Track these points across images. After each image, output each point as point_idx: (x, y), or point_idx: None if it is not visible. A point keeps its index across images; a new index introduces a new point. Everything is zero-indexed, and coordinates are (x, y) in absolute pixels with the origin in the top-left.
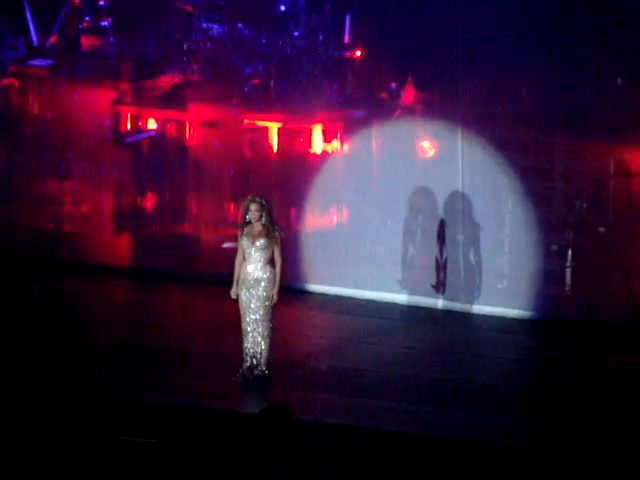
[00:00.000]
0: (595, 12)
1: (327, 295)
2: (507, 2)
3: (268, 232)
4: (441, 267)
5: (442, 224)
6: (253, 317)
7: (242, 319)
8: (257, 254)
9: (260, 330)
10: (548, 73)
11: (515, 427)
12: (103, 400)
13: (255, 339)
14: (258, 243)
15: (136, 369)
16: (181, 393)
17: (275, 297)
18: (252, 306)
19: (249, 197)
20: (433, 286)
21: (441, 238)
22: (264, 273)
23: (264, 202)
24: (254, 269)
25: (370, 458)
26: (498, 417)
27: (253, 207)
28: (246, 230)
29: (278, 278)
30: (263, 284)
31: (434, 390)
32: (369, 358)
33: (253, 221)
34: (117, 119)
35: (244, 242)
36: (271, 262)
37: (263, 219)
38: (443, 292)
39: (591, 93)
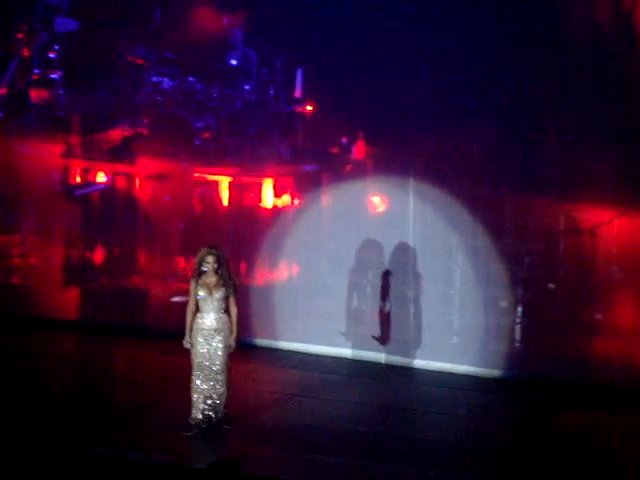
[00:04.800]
0: (546, 70)
1: (275, 350)
2: (457, 60)
3: (225, 282)
4: (385, 321)
5: (388, 278)
6: (214, 367)
7: (195, 367)
8: (215, 304)
9: (219, 378)
10: (498, 130)
11: None
12: (51, 455)
13: (215, 387)
14: (217, 295)
15: (84, 423)
16: (130, 448)
17: (233, 345)
18: (212, 356)
19: (205, 248)
20: (376, 338)
21: (386, 292)
22: (223, 323)
23: (220, 253)
24: (212, 320)
25: None
26: (444, 473)
27: (210, 259)
28: (201, 281)
29: (235, 326)
30: (222, 334)
31: (381, 446)
32: (317, 413)
33: (209, 272)
34: (66, 172)
35: (201, 293)
36: (226, 311)
37: (219, 270)
38: (387, 344)
39: (541, 150)
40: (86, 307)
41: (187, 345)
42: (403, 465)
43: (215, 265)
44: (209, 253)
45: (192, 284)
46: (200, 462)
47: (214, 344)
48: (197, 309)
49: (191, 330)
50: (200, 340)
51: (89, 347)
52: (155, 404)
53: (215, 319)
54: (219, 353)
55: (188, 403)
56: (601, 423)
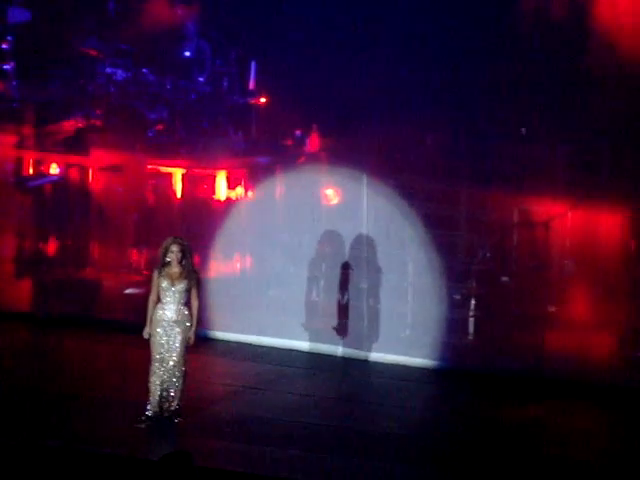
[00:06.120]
0: (499, 63)
1: (229, 342)
2: (411, 53)
3: (188, 274)
4: (343, 312)
5: (345, 270)
6: (172, 359)
7: (154, 358)
8: (177, 296)
9: (176, 370)
10: (452, 122)
11: (415, 477)
12: (5, 446)
13: (171, 380)
14: (179, 286)
15: (37, 415)
16: (83, 439)
17: (192, 338)
18: (171, 347)
19: (170, 238)
20: (335, 328)
21: (344, 284)
22: (183, 316)
23: (185, 243)
24: (172, 311)
25: None
26: (401, 466)
27: (175, 248)
28: (164, 271)
29: (195, 320)
30: (182, 326)
31: (335, 439)
32: (271, 406)
33: (173, 262)
34: (19, 163)
35: (164, 284)
36: (187, 303)
37: (183, 261)
38: (345, 336)
39: (495, 143)
40: (39, 299)
41: (146, 336)
42: (357, 458)
43: (179, 255)
44: (174, 242)
45: (155, 274)
46: (153, 454)
47: (173, 336)
48: (158, 299)
49: (151, 321)
50: (159, 331)
51: (42, 339)
52: (108, 396)
53: (175, 311)
54: (177, 345)
55: (141, 395)
56: (553, 416)
